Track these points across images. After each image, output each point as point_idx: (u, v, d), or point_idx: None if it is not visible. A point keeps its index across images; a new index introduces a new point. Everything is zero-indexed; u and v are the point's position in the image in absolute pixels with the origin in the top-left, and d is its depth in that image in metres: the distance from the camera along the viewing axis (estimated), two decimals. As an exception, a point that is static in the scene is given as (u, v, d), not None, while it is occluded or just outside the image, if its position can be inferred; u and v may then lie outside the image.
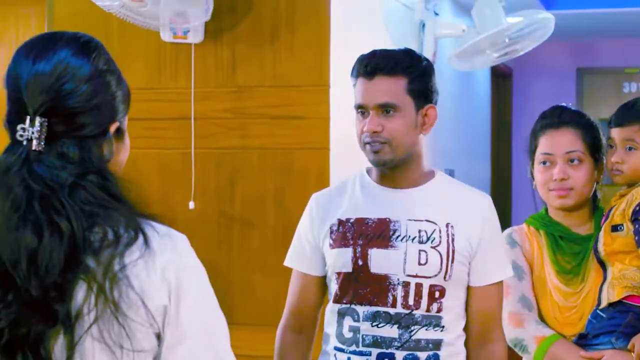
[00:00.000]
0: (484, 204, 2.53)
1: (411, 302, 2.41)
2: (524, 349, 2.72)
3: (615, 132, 2.72)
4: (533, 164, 2.86)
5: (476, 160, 7.54)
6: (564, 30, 7.35)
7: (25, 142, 1.53)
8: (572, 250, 2.78)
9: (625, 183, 2.72)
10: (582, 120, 2.82)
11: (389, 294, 2.41)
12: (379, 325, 2.41)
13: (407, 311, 2.40)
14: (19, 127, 1.53)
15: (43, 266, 1.44)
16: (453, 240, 2.43)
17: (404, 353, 2.39)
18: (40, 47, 1.57)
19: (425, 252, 2.42)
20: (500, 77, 8.52)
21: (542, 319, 2.76)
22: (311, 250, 2.57)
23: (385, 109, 2.43)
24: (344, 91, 3.88)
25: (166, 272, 1.53)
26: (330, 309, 2.51)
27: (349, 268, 2.45)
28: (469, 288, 2.49)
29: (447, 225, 2.45)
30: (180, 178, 3.90)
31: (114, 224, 1.50)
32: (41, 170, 1.50)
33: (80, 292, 1.47)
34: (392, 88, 2.43)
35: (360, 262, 2.44)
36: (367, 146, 2.45)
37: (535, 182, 2.85)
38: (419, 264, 2.41)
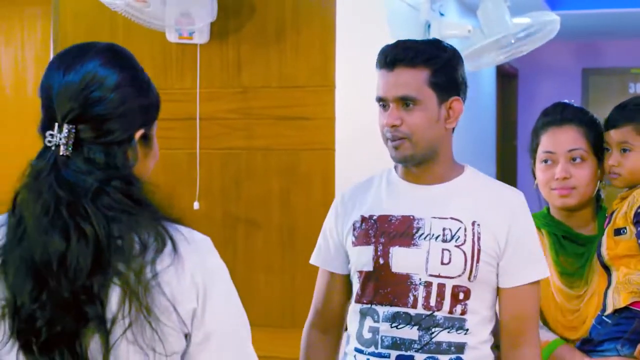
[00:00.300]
0: (514, 200, 2.40)
1: (433, 303, 2.30)
2: None
3: (610, 135, 2.66)
4: (535, 162, 2.79)
5: (481, 160, 7.53)
6: (570, 30, 7.34)
7: (53, 148, 1.60)
8: (575, 252, 2.71)
9: (625, 186, 2.66)
10: (585, 117, 2.74)
11: (410, 294, 2.31)
12: (399, 327, 2.31)
13: (428, 312, 2.30)
14: (47, 133, 1.61)
15: (72, 269, 1.51)
16: (479, 239, 2.32)
17: (424, 356, 2.29)
18: (71, 58, 1.66)
19: (449, 251, 2.31)
20: (506, 77, 8.52)
21: (544, 321, 2.69)
22: (335, 248, 2.49)
23: (405, 102, 2.32)
24: (349, 92, 3.89)
25: (195, 277, 1.61)
26: (352, 309, 2.43)
27: (369, 267, 2.36)
28: (499, 290, 2.37)
29: (473, 223, 2.33)
30: (185, 178, 3.90)
31: (139, 230, 1.57)
32: (68, 175, 1.57)
33: (115, 297, 1.54)
34: (412, 80, 2.32)
35: (381, 261, 2.34)
36: (389, 142, 2.36)
37: (536, 181, 2.78)
38: (442, 263, 2.31)
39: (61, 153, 1.59)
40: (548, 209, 2.80)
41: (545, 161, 2.73)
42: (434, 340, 2.30)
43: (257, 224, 3.89)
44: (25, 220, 1.56)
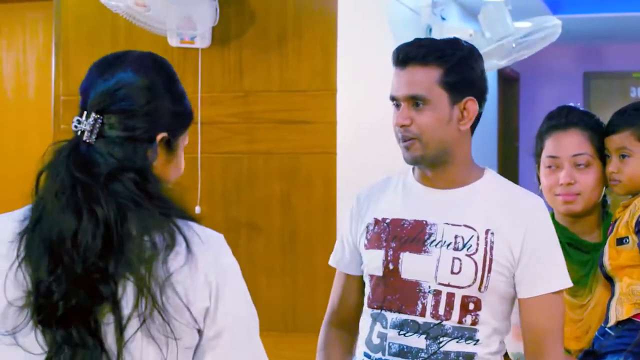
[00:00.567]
0: (532, 208, 2.29)
1: (441, 312, 2.23)
2: None
3: (609, 141, 2.58)
4: (539, 167, 2.70)
5: (482, 164, 7.52)
6: (571, 34, 7.34)
7: (79, 134, 1.70)
8: (579, 259, 2.61)
9: (625, 193, 2.58)
10: (591, 121, 2.65)
11: (419, 302, 2.25)
12: (406, 334, 2.25)
13: (437, 321, 2.23)
14: (74, 118, 1.72)
15: (82, 247, 1.59)
16: (492, 248, 2.22)
17: None
18: (107, 65, 1.77)
19: (460, 260, 2.22)
20: (507, 81, 8.52)
21: None
22: (350, 250, 2.43)
23: (415, 101, 2.23)
24: (350, 96, 3.89)
25: (208, 276, 1.67)
26: (365, 312, 2.37)
27: (379, 271, 2.30)
28: (518, 300, 2.28)
29: (486, 231, 2.24)
30: (186, 182, 3.89)
31: (149, 225, 1.64)
32: (85, 159, 1.66)
33: (130, 291, 1.61)
34: (423, 79, 2.23)
35: (391, 266, 2.28)
36: (400, 142, 2.27)
37: (540, 186, 2.69)
38: (452, 272, 2.23)
39: (84, 139, 1.68)
40: (553, 215, 2.68)
41: (549, 166, 2.64)
42: (442, 349, 2.23)
43: (258, 228, 3.89)
44: (44, 199, 1.64)
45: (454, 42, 2.30)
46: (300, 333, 3.77)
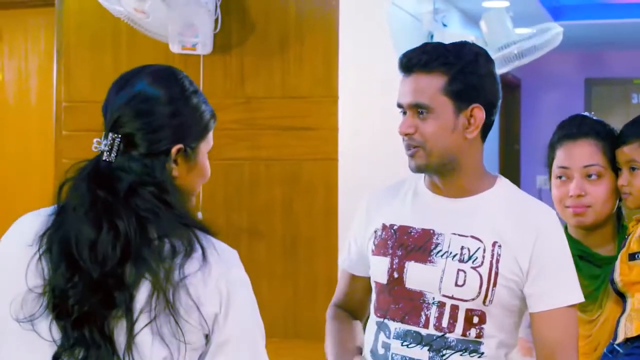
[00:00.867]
0: (543, 220, 2.22)
1: (445, 324, 2.18)
2: None
3: (619, 153, 2.50)
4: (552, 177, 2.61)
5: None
6: (573, 40, 7.34)
7: (100, 154, 1.79)
8: (590, 273, 2.52)
9: (636, 207, 2.49)
10: (604, 130, 2.55)
11: (422, 314, 2.20)
12: (409, 346, 2.20)
13: (440, 333, 2.18)
14: (94, 140, 1.80)
15: (100, 255, 1.68)
16: (497, 261, 2.17)
17: None
18: (124, 81, 1.84)
19: (464, 272, 2.17)
20: (509, 87, 8.52)
21: None
22: (357, 251, 2.39)
23: (418, 109, 2.18)
24: (352, 102, 3.89)
25: (219, 284, 1.74)
26: (370, 321, 2.33)
27: (384, 279, 2.26)
28: (530, 314, 2.21)
29: (493, 244, 2.18)
30: (188, 189, 3.91)
31: (170, 233, 1.73)
32: (105, 177, 1.75)
33: (144, 292, 1.69)
34: (426, 87, 2.17)
35: (395, 275, 2.24)
36: (405, 150, 2.23)
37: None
38: (456, 284, 2.17)
39: (104, 158, 1.77)
40: (566, 227, 2.61)
41: (560, 177, 2.56)
42: None
43: (260, 234, 3.89)
44: (65, 210, 1.74)
45: (461, 47, 2.23)
46: (301, 339, 3.77)
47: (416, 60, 2.19)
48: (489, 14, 5.11)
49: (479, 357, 2.19)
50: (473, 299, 2.17)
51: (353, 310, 2.47)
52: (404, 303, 2.23)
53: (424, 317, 2.20)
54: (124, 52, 4.04)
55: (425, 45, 2.25)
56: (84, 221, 1.71)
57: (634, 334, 2.34)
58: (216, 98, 3.93)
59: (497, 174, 2.33)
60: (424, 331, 2.20)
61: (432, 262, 2.21)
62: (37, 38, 4.72)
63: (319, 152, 3.80)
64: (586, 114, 2.64)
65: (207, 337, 1.75)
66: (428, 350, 2.19)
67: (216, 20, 3.83)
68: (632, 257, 2.38)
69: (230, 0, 3.89)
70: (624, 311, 2.39)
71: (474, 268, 2.17)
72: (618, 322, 2.39)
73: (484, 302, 2.17)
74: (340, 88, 3.80)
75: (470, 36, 4.82)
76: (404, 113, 2.22)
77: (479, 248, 2.18)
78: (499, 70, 4.94)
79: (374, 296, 2.32)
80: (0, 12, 4.74)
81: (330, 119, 3.79)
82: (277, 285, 3.83)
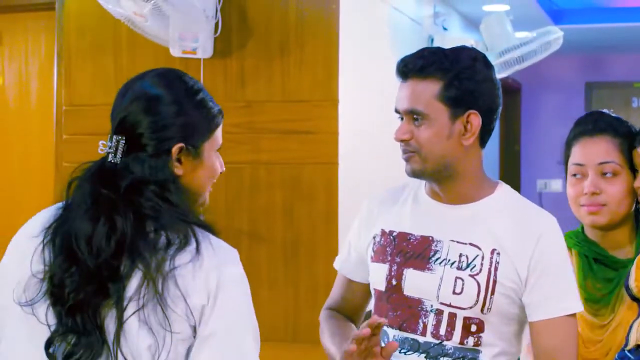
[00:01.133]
0: (543, 227, 2.19)
1: (442, 332, 2.16)
2: None
3: (636, 154, 2.41)
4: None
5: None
6: (573, 44, 7.34)
7: (105, 155, 1.87)
8: (605, 276, 2.44)
9: None
10: (622, 127, 2.46)
11: (420, 321, 2.19)
12: (406, 353, 2.19)
13: (437, 341, 2.17)
14: (100, 142, 1.89)
15: (95, 247, 1.76)
16: (496, 269, 2.14)
17: None
18: (129, 85, 1.91)
19: (462, 280, 2.15)
20: (509, 91, 8.53)
21: None
22: (357, 256, 2.38)
23: (413, 116, 2.17)
24: (352, 106, 3.89)
25: (209, 277, 1.78)
26: None
27: (382, 286, 2.25)
28: (529, 323, 2.19)
29: (492, 251, 2.16)
30: (189, 192, 3.91)
31: (168, 227, 1.79)
32: (109, 176, 1.82)
33: (135, 280, 1.75)
34: (421, 93, 2.15)
35: (394, 282, 2.22)
36: (402, 154, 2.21)
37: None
38: (454, 292, 2.15)
39: (109, 160, 1.85)
40: (583, 228, 2.54)
41: (575, 174, 2.47)
42: None
43: (260, 237, 3.89)
44: (70, 207, 1.83)
45: (458, 52, 2.21)
46: (302, 343, 3.76)
47: (412, 66, 2.18)
48: (490, 18, 5.11)
49: None
50: (471, 307, 2.15)
51: (347, 315, 2.45)
52: (402, 310, 2.22)
53: (421, 324, 2.19)
54: (125, 56, 4.04)
55: (422, 50, 2.23)
56: (85, 217, 1.79)
57: None
58: (217, 101, 3.92)
59: (498, 181, 2.31)
60: (421, 339, 2.18)
61: (431, 269, 2.19)
62: (37, 41, 4.72)
63: (319, 155, 3.80)
64: (605, 110, 2.56)
65: (194, 330, 1.77)
66: (425, 357, 2.18)
67: (216, 24, 3.83)
68: None
69: (230, 4, 3.89)
70: (638, 316, 2.31)
71: (472, 276, 2.16)
72: (630, 327, 2.31)
73: (482, 310, 2.15)
74: (341, 92, 3.80)
75: (470, 40, 4.83)
76: (402, 119, 2.21)
77: (477, 256, 2.17)
78: (500, 75, 4.94)
79: (373, 303, 2.31)
80: (0, 15, 4.74)
81: (331, 123, 3.79)
82: (278, 289, 3.82)
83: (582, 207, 2.45)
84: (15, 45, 4.78)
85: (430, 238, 2.22)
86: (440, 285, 2.17)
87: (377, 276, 2.28)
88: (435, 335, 2.17)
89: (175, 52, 3.80)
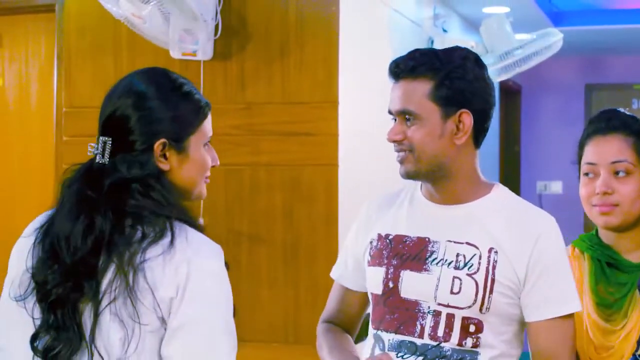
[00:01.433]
0: (541, 226, 2.18)
1: (440, 333, 2.14)
2: None
3: None
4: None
5: (484, 176, 7.52)
6: (573, 46, 7.35)
7: (94, 157, 1.91)
8: (617, 280, 2.36)
9: None
10: (636, 125, 2.38)
11: (417, 323, 2.16)
12: (404, 357, 2.16)
13: (435, 343, 2.14)
14: (89, 144, 1.93)
15: (72, 245, 1.82)
16: (494, 267, 2.13)
17: None
18: (115, 86, 1.95)
19: (460, 279, 2.13)
20: (509, 93, 8.53)
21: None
22: (354, 263, 2.36)
23: (405, 116, 2.17)
24: (352, 108, 3.90)
25: (179, 270, 1.80)
26: (369, 334, 2.29)
27: (379, 290, 2.23)
28: (526, 324, 2.18)
29: (489, 250, 2.14)
30: (189, 194, 3.91)
31: (146, 222, 1.82)
32: (95, 177, 1.87)
33: (110, 273, 1.80)
34: (412, 93, 2.16)
35: (390, 285, 2.20)
36: (396, 156, 2.21)
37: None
38: (452, 292, 2.14)
39: (97, 161, 1.89)
40: (597, 230, 2.45)
41: (587, 174, 2.39)
42: None
43: (260, 239, 3.89)
44: (60, 207, 1.89)
45: (449, 52, 2.21)
46: (302, 345, 3.76)
47: (403, 66, 2.19)
48: (490, 20, 5.12)
49: None
50: (469, 307, 2.14)
51: (343, 327, 2.43)
52: (399, 313, 2.20)
53: (419, 326, 2.17)
54: (125, 58, 4.05)
55: (414, 51, 2.22)
56: (67, 217, 1.85)
57: None
58: (216, 103, 3.92)
59: (495, 182, 2.30)
60: (418, 341, 2.16)
61: (428, 270, 2.18)
62: (37, 43, 4.72)
63: (319, 157, 3.80)
64: (619, 109, 2.48)
65: (164, 322, 1.81)
66: None
67: (216, 26, 3.84)
68: None
69: (230, 6, 3.89)
70: None
71: (469, 275, 2.14)
72: None
73: (480, 310, 2.13)
74: (341, 93, 3.80)
75: (470, 42, 4.84)
76: (394, 120, 2.21)
77: (474, 254, 2.15)
78: (500, 78, 4.95)
79: (371, 308, 2.29)
80: (0, 17, 4.74)
81: (331, 124, 3.79)
82: (278, 290, 3.82)
83: (594, 208, 2.37)
84: (16, 47, 4.78)
85: (427, 239, 2.21)
86: (437, 285, 2.15)
87: (374, 280, 2.26)
88: (433, 337, 2.15)
89: (175, 54, 3.80)
